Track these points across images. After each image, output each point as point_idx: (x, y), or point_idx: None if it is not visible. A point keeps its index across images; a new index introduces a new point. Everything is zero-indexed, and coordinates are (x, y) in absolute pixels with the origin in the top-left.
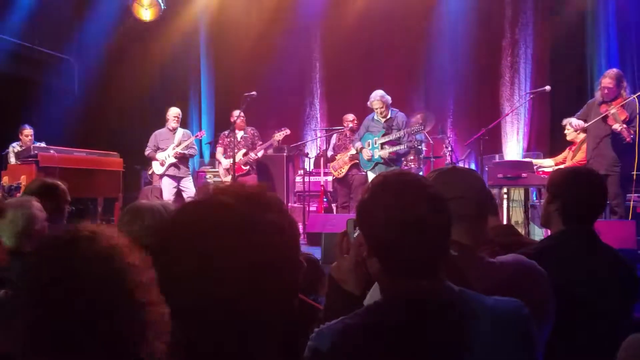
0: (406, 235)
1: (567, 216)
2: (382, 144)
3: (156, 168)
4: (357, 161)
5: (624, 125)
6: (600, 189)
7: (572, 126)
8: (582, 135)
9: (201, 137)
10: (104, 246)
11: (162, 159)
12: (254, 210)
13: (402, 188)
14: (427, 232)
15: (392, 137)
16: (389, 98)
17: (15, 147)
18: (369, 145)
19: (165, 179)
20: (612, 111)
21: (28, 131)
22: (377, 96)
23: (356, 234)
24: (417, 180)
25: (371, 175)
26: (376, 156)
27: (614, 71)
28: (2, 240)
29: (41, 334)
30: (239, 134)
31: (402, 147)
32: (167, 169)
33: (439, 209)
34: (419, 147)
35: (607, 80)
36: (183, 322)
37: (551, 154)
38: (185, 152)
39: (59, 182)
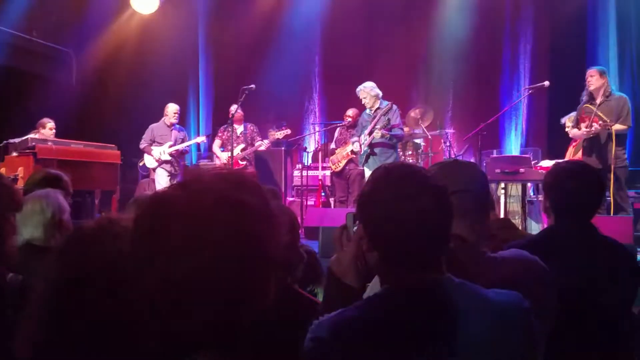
0: (407, 228)
1: (558, 211)
2: (370, 133)
3: (148, 161)
4: (354, 156)
5: (587, 130)
6: (587, 183)
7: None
8: None
9: (201, 142)
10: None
11: (158, 156)
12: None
13: (403, 180)
14: (428, 224)
15: (373, 125)
16: (377, 90)
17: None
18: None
19: (159, 170)
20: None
21: (52, 124)
22: (361, 87)
23: (356, 228)
24: (418, 172)
25: (367, 170)
26: (365, 147)
27: (596, 68)
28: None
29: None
30: (239, 129)
31: (376, 129)
32: (160, 164)
33: (441, 201)
34: (390, 122)
35: (589, 72)
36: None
37: (549, 149)
38: (182, 148)
39: (62, 174)
